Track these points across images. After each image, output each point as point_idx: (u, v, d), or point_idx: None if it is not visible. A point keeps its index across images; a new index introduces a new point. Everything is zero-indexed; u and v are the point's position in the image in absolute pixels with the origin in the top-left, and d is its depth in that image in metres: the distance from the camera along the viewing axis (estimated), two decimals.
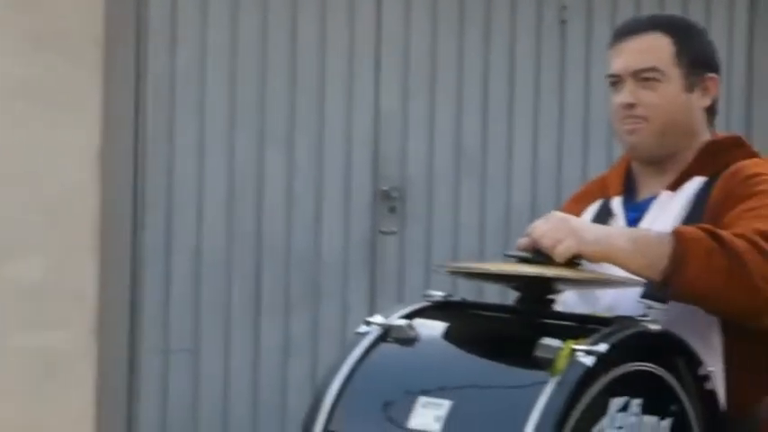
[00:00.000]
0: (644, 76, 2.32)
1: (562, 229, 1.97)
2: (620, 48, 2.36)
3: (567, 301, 2.20)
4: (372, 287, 4.62)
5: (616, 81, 2.33)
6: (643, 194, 2.33)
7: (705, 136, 2.33)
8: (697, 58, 2.33)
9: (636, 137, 2.30)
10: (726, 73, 4.92)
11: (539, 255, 1.97)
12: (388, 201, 4.65)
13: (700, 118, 2.32)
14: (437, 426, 1.81)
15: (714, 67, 2.35)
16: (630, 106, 2.31)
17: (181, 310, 4.46)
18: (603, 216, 2.35)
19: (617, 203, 2.33)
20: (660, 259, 1.96)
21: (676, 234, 1.96)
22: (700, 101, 2.31)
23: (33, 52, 4.42)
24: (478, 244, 4.77)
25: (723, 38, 5.02)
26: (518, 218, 4.63)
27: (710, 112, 2.35)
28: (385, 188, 4.62)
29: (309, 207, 4.62)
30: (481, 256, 4.48)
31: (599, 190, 2.46)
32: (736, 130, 4.89)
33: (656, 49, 2.35)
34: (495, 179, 4.83)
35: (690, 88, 2.29)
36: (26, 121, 4.34)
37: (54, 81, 4.42)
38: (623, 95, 2.32)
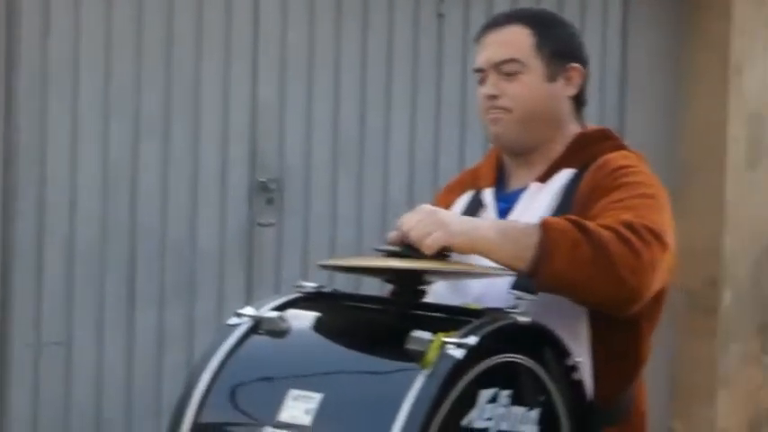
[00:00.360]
0: (505, 69, 2.34)
1: (430, 221, 1.99)
2: (483, 42, 2.40)
3: (439, 292, 2.21)
4: (249, 279, 4.60)
5: (481, 75, 2.36)
6: (513, 186, 2.36)
7: (574, 128, 2.37)
8: (558, 48, 2.36)
9: (499, 127, 2.33)
10: (600, 65, 5.16)
11: (408, 248, 1.98)
12: (266, 192, 4.63)
13: (565, 108, 2.36)
14: (308, 419, 1.81)
15: (578, 58, 2.39)
16: (493, 98, 2.34)
17: (53, 302, 4.38)
18: (475, 206, 2.36)
19: (488, 194, 2.35)
20: (527, 250, 1.99)
21: (543, 225, 1.99)
22: (563, 90, 2.35)
23: None
24: (356, 235, 4.81)
25: (598, 30, 5.26)
26: (395, 209, 4.56)
27: (578, 102, 2.39)
28: (262, 180, 4.59)
29: (185, 198, 4.59)
30: (359, 248, 4.51)
31: (471, 181, 2.48)
32: (610, 121, 5.07)
33: (515, 40, 2.37)
34: (372, 171, 4.87)
35: (552, 78, 2.32)
36: None
37: None
38: (486, 87, 2.35)
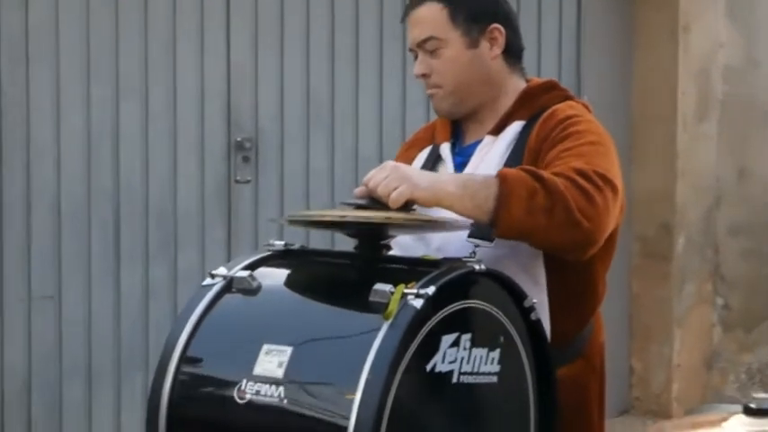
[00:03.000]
0: (427, 47, 2.39)
1: (395, 176, 2.00)
2: (407, 22, 2.45)
3: (404, 243, 2.26)
4: (229, 233, 4.61)
5: (414, 54, 2.40)
6: (468, 140, 2.39)
7: (518, 81, 2.41)
8: (472, 14, 2.35)
9: (435, 101, 2.39)
10: (557, 22, 5.24)
11: (374, 202, 2.01)
12: (242, 151, 4.63)
13: (497, 67, 2.37)
14: (280, 371, 1.86)
15: (496, 16, 2.38)
16: (425, 76, 2.38)
17: (42, 259, 4.44)
18: (433, 160, 2.40)
19: (445, 149, 2.39)
20: (486, 201, 2.01)
21: (500, 176, 2.01)
22: (489, 52, 2.35)
23: None
24: (329, 190, 4.84)
25: None
26: (365, 165, 4.57)
27: (512, 57, 2.41)
28: (239, 139, 4.61)
29: (165, 158, 4.58)
30: (332, 203, 4.55)
31: (429, 137, 2.52)
32: (567, 75, 5.20)
33: (430, 17, 2.39)
34: (343, 128, 4.89)
35: (474, 44, 2.33)
36: None
37: None
38: (416, 67, 2.39)
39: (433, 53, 2.34)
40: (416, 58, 2.41)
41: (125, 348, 4.48)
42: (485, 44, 2.38)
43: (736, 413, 1.97)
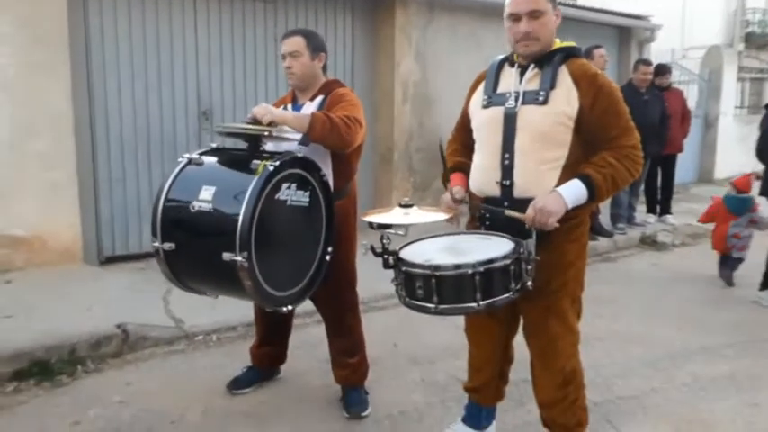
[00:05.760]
0: (295, 55, 3.52)
1: (267, 110, 3.14)
2: (283, 44, 3.57)
3: (278, 147, 3.31)
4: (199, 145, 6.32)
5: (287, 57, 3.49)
6: (300, 102, 3.56)
7: (324, 78, 3.54)
8: (315, 46, 3.48)
9: (292, 81, 3.49)
10: (343, 50, 7.91)
11: (255, 122, 3.11)
12: (204, 114, 6.80)
13: (319, 71, 3.51)
14: (210, 197, 2.97)
15: (323, 49, 3.50)
16: (289, 68, 3.48)
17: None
18: (285, 109, 3.50)
19: (290, 106, 3.55)
20: (305, 124, 3.16)
21: (312, 114, 3.19)
22: (318, 64, 3.49)
23: None
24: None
25: (341, 35, 7.96)
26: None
27: (324, 68, 3.51)
28: (203, 109, 6.73)
29: (168, 113, 6.53)
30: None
31: (284, 100, 3.66)
32: (348, 76, 7.99)
33: (298, 42, 3.50)
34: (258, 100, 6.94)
35: (313, 59, 3.47)
36: None
37: None
38: (287, 62, 3.51)
39: (297, 58, 3.46)
40: (286, 58, 3.43)
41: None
42: (317, 61, 3.55)
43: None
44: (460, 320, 3.35)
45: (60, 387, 4.09)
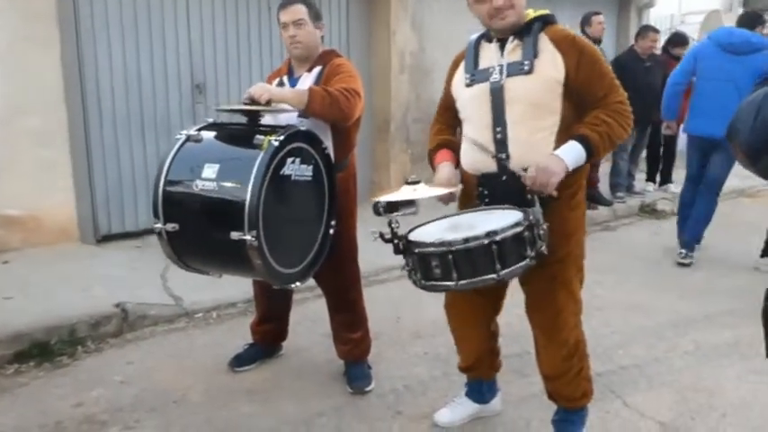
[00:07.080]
0: (298, 22, 3.46)
1: (264, 88, 3.12)
2: (285, 11, 3.50)
3: (277, 119, 3.31)
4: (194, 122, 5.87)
5: (288, 25, 3.43)
6: (296, 74, 3.52)
7: (322, 48, 3.51)
8: (315, 13, 3.44)
9: (296, 50, 3.45)
10: (338, 25, 7.81)
11: (254, 101, 3.09)
12: (198, 88, 6.77)
13: (318, 41, 3.47)
14: (213, 176, 2.93)
15: (321, 18, 3.45)
16: (293, 37, 3.44)
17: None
18: (281, 83, 3.49)
19: (285, 78, 3.51)
20: (304, 100, 3.15)
21: (310, 89, 3.17)
22: (318, 33, 3.45)
23: None
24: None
25: (335, 11, 7.87)
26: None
27: (322, 38, 3.49)
28: (197, 83, 6.67)
29: (161, 86, 6.48)
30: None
31: (279, 72, 3.60)
32: (344, 47, 7.82)
33: (300, 10, 3.46)
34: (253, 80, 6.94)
35: (315, 27, 3.43)
36: None
37: None
38: (289, 32, 3.46)
39: (300, 25, 3.40)
40: (286, 28, 3.37)
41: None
42: (318, 29, 3.48)
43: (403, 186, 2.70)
44: None
45: (61, 368, 4.09)
